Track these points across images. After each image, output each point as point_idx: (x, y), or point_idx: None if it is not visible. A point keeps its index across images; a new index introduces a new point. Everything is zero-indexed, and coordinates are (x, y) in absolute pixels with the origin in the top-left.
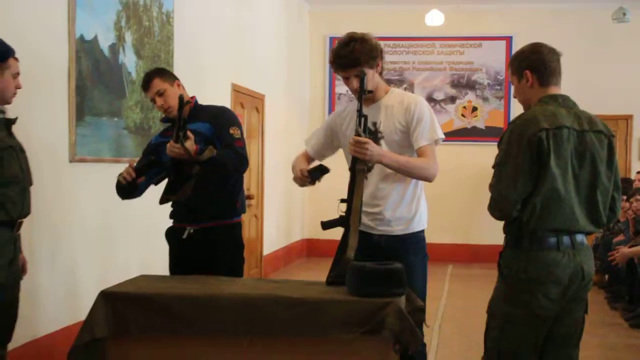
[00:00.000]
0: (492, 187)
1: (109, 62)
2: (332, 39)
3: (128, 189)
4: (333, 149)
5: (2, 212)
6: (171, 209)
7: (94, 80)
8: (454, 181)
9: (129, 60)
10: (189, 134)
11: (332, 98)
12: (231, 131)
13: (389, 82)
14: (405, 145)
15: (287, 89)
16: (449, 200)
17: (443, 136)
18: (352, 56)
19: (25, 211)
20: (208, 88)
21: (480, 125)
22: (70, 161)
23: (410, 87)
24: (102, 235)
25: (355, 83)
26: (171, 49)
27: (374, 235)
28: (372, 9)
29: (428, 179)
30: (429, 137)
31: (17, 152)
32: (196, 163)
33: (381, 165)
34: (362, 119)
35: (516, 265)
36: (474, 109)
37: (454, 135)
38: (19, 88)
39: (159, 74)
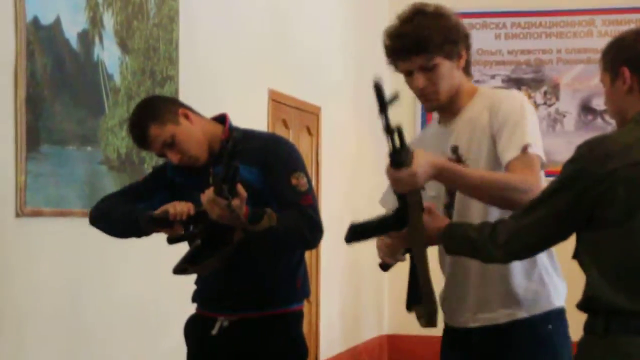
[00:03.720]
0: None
1: (77, 58)
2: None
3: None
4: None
5: None
6: (195, 286)
7: (54, 87)
8: None
9: (110, 55)
10: (240, 189)
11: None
12: (294, 181)
13: (518, 82)
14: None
15: (355, 98)
16: None
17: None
18: (418, 35)
19: None
20: (232, 97)
21: None
22: (18, 215)
23: (555, 91)
24: (68, 329)
25: (422, 81)
26: (175, 37)
27: (459, 331)
28: None
29: (517, 204)
30: (515, 145)
31: None
32: (243, 231)
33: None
34: (396, 133)
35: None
36: None
37: None
38: None
39: (152, 117)
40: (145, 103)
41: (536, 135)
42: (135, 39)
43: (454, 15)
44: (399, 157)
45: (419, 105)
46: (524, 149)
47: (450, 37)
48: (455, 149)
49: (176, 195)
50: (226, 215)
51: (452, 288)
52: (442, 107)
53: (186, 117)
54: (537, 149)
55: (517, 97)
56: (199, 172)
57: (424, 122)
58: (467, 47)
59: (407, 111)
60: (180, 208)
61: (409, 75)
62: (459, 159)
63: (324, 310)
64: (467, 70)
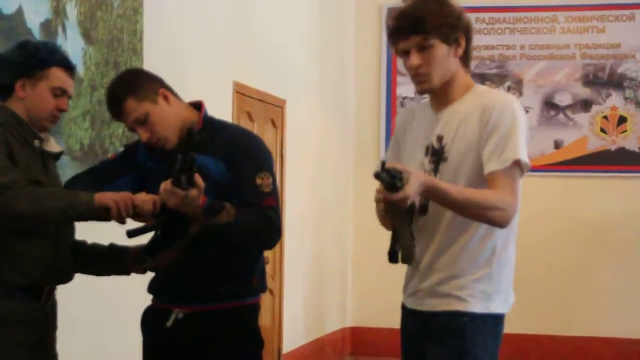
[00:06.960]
0: None
1: None
2: (391, 11)
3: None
4: None
5: (19, 275)
6: (152, 276)
7: None
8: (589, 235)
9: (73, 45)
10: (197, 179)
11: (392, 104)
12: (258, 181)
13: (482, 77)
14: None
15: (320, 92)
16: (574, 265)
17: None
18: (416, 14)
19: (59, 275)
20: (196, 89)
21: (632, 145)
22: None
23: (518, 86)
24: None
25: (416, 59)
26: (139, 27)
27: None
28: None
29: (494, 222)
30: (503, 159)
31: None
32: (200, 224)
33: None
34: None
35: None
36: (622, 120)
37: (589, 162)
38: (63, 111)
39: (131, 90)
40: (129, 74)
41: (525, 146)
42: (99, 30)
43: (458, 5)
44: (394, 184)
45: (383, 97)
46: (513, 164)
47: (448, 20)
48: (440, 138)
49: (145, 178)
50: (182, 206)
51: None
52: (434, 91)
53: (165, 98)
54: (525, 159)
55: (510, 105)
56: (169, 158)
57: (389, 117)
58: (468, 38)
59: (371, 110)
60: (145, 198)
61: (405, 54)
62: (441, 149)
63: (287, 302)
64: (465, 61)
